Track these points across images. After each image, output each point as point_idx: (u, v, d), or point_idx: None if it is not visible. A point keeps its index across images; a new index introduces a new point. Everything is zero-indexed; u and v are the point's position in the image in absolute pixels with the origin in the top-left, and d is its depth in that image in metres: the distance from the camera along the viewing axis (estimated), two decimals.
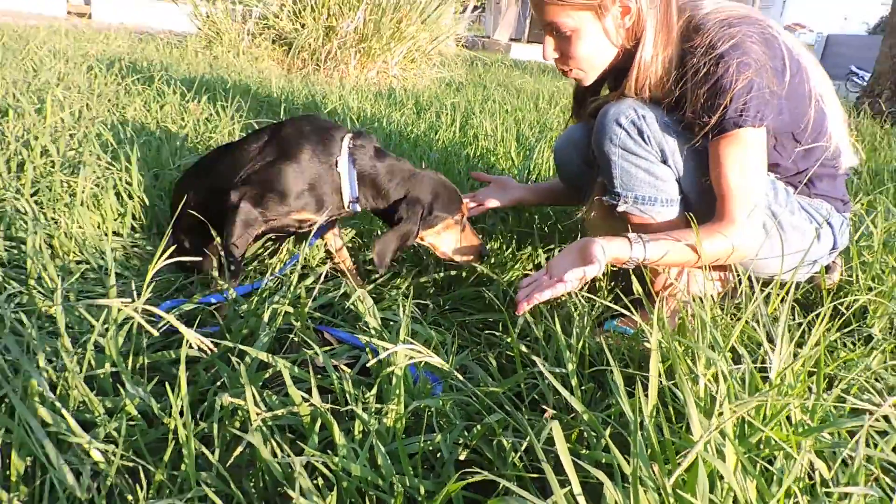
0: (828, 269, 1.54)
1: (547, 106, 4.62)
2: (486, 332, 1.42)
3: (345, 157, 1.47)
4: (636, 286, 1.32)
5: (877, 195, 2.19)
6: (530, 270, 1.72)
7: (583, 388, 1.13)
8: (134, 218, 1.83)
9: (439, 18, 5.75)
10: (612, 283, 1.68)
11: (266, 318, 1.17)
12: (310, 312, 1.33)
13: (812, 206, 1.40)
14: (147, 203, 1.86)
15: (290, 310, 1.21)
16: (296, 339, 1.20)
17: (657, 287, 1.51)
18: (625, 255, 1.27)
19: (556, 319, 1.22)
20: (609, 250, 1.25)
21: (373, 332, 1.13)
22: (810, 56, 1.35)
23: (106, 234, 1.69)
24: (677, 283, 1.50)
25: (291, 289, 1.23)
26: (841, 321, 1.36)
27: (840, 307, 1.44)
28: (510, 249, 1.80)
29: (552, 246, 1.76)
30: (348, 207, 1.50)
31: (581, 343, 1.23)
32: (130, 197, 1.84)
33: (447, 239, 1.53)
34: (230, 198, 1.43)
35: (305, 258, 1.73)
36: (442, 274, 1.70)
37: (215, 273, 1.53)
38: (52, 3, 9.89)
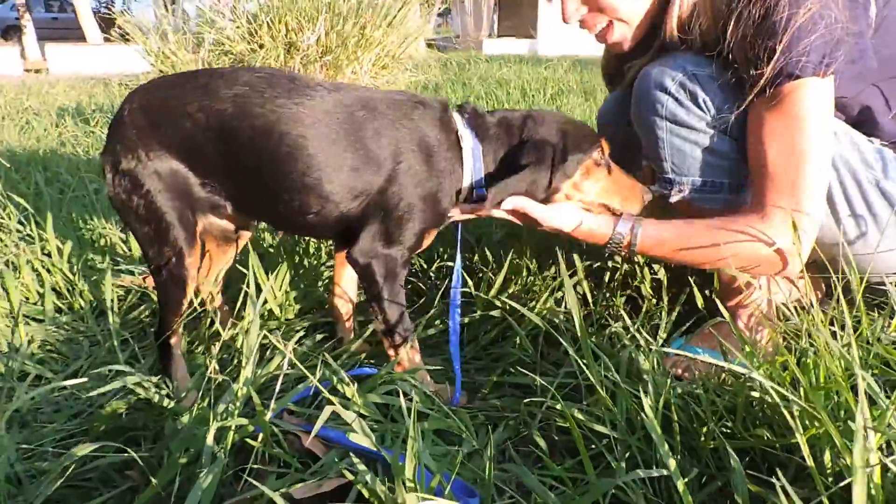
0: None
1: (537, 94, 4.27)
2: (526, 397, 1.04)
3: (469, 139, 1.10)
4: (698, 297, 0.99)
5: None
6: (561, 295, 1.34)
7: (686, 480, 0.76)
8: (59, 295, 1.45)
9: (405, 19, 5.39)
10: (673, 291, 1.32)
11: (210, 438, 0.80)
12: (288, 407, 0.95)
13: None
14: (73, 275, 1.48)
15: (245, 421, 0.83)
16: (256, 465, 0.82)
17: (730, 292, 1.16)
18: (605, 230, 1.04)
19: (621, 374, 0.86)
20: (588, 221, 1.05)
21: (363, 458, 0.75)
22: None
23: (17, 323, 1.31)
24: (751, 287, 1.13)
25: (241, 389, 0.85)
26: None
27: None
28: (531, 272, 1.41)
29: (589, 262, 1.37)
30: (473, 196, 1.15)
31: (660, 401, 0.87)
32: (50, 272, 1.46)
33: (592, 185, 1.12)
34: (354, 253, 1.08)
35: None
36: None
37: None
38: (9, 62, 9.66)
